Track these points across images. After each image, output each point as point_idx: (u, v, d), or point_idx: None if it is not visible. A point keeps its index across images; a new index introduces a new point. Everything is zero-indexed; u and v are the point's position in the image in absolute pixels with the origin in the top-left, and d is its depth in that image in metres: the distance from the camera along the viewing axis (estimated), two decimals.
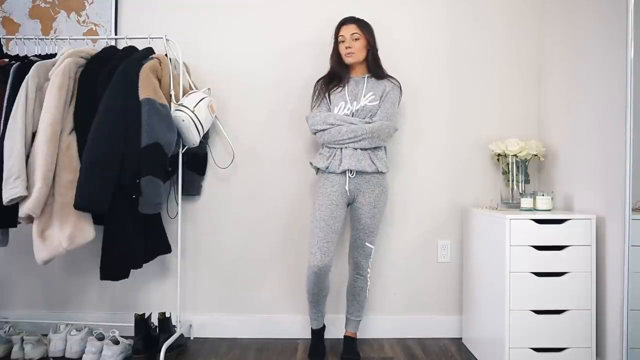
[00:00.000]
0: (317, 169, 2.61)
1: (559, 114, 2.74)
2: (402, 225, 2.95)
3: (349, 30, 2.57)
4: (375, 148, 2.56)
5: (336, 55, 2.61)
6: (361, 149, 2.51)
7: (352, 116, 2.54)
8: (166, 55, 2.59)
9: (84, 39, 2.77)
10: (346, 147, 2.51)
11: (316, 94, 2.65)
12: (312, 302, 2.56)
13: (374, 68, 2.62)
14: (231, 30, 2.95)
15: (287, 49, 2.94)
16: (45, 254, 2.32)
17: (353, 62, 2.59)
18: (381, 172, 2.57)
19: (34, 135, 2.37)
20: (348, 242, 2.73)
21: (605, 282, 2.29)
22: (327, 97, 2.59)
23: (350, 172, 2.53)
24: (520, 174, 2.75)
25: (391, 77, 2.65)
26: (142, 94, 2.38)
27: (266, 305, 2.94)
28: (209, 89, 2.74)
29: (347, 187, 2.53)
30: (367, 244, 2.59)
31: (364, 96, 2.56)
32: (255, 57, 2.94)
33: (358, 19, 2.60)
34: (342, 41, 2.58)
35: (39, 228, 2.33)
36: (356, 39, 2.56)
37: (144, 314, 2.59)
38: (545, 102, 2.90)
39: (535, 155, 2.74)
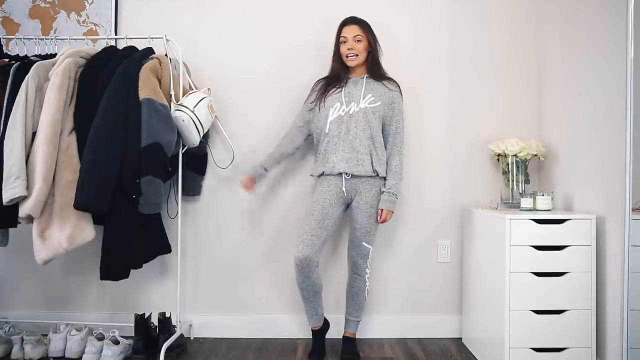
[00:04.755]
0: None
1: (559, 114, 2.74)
2: (402, 226, 2.95)
3: (351, 32, 2.56)
4: (377, 150, 2.56)
5: (337, 55, 2.61)
6: (362, 151, 2.53)
7: (350, 118, 2.54)
8: (166, 55, 2.59)
9: (84, 39, 2.76)
10: (342, 150, 2.52)
11: (311, 94, 2.67)
12: (304, 298, 2.54)
13: (374, 69, 2.62)
14: (231, 30, 2.95)
15: (287, 49, 2.94)
16: (45, 254, 2.32)
17: (355, 64, 2.59)
18: (379, 174, 2.57)
19: (34, 135, 2.38)
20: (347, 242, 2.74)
21: (605, 282, 2.29)
22: (323, 100, 2.58)
23: (346, 174, 2.53)
24: (520, 174, 2.75)
25: (391, 79, 2.65)
26: (142, 94, 2.38)
27: (266, 305, 2.94)
28: (209, 89, 2.74)
29: (343, 188, 2.54)
30: (364, 243, 2.58)
31: (364, 98, 2.56)
32: (256, 57, 2.94)
33: (360, 20, 2.60)
34: (344, 42, 2.57)
35: (39, 228, 2.33)
36: (358, 41, 2.56)
37: (144, 314, 2.59)
38: (545, 102, 2.90)
39: (535, 155, 2.74)
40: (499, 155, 2.80)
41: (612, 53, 2.24)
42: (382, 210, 2.55)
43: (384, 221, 2.57)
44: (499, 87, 2.96)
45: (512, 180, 2.75)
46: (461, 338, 2.92)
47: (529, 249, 2.33)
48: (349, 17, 2.61)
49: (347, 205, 2.61)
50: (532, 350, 2.32)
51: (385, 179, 2.59)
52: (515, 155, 2.72)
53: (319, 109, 2.60)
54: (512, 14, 2.96)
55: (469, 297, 2.81)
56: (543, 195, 2.54)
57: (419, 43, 2.96)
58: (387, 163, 2.60)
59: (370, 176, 2.55)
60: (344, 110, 2.55)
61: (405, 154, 2.85)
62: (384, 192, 2.56)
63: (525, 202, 2.56)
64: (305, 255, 2.43)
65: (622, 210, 2.15)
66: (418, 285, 2.96)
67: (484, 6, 2.96)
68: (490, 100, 2.96)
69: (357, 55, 2.56)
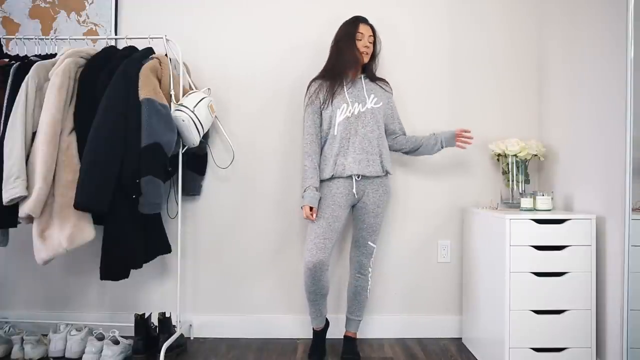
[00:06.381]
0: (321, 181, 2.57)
1: (559, 114, 2.74)
2: (403, 225, 2.95)
3: (367, 31, 2.58)
4: (385, 149, 2.57)
5: (349, 50, 2.54)
6: (372, 152, 2.53)
7: (357, 119, 2.52)
8: (166, 55, 2.59)
9: (84, 39, 2.76)
10: (353, 152, 2.51)
11: (314, 96, 2.58)
12: (311, 300, 2.54)
13: (371, 71, 2.64)
14: (231, 30, 2.95)
15: (288, 49, 2.94)
16: (45, 254, 2.32)
17: (366, 62, 2.60)
18: (388, 173, 2.58)
19: (34, 135, 2.38)
20: (349, 242, 2.74)
21: (605, 282, 2.29)
22: (331, 101, 2.53)
23: (357, 176, 2.53)
24: (520, 174, 2.75)
25: (383, 79, 2.68)
26: (142, 94, 2.38)
27: (266, 305, 2.94)
28: (209, 89, 2.74)
29: (354, 190, 2.53)
30: (369, 243, 2.59)
31: (368, 98, 2.56)
32: (256, 57, 2.94)
33: (371, 23, 2.62)
34: (360, 39, 2.56)
35: (39, 228, 2.34)
36: (371, 42, 2.59)
37: (144, 314, 2.59)
38: (545, 102, 2.90)
39: (535, 155, 2.74)
40: (499, 155, 2.80)
41: (612, 53, 2.24)
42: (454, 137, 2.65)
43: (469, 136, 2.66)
44: (499, 87, 2.96)
45: (512, 180, 2.76)
46: (461, 338, 2.92)
47: (529, 249, 2.33)
48: (362, 17, 2.61)
49: (353, 206, 2.61)
50: (532, 350, 2.32)
51: (387, 175, 2.61)
52: (515, 155, 2.72)
53: (325, 110, 2.58)
54: (512, 14, 2.96)
55: (469, 297, 2.81)
56: (543, 195, 2.54)
57: (419, 43, 2.96)
58: (409, 141, 2.69)
59: (378, 176, 2.56)
60: (350, 111, 2.54)
61: (405, 154, 2.86)
62: (433, 135, 2.68)
63: (525, 202, 2.56)
64: (319, 259, 2.43)
65: (622, 210, 2.15)
66: (418, 285, 2.96)
67: (483, 6, 2.96)
68: (490, 100, 2.96)
69: (368, 54, 2.59)
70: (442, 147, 2.67)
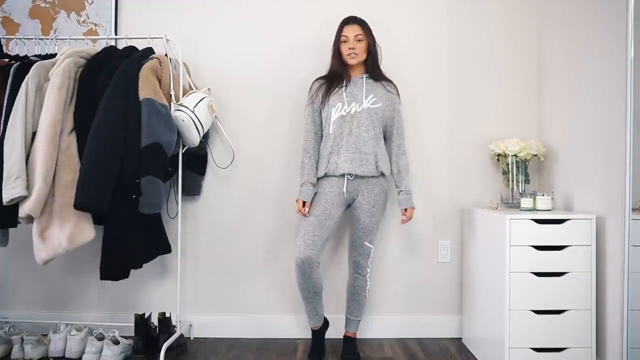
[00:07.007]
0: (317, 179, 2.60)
1: (559, 114, 2.74)
2: (402, 226, 2.94)
3: (352, 31, 2.56)
4: (381, 150, 2.56)
5: (338, 54, 2.60)
6: (366, 152, 2.52)
7: (352, 118, 2.53)
8: (166, 55, 2.59)
9: (84, 39, 2.76)
10: (346, 151, 2.51)
11: (315, 95, 2.61)
12: (304, 298, 2.54)
13: (373, 69, 2.62)
14: (231, 30, 2.95)
15: (288, 49, 2.94)
16: (45, 254, 2.32)
17: (356, 63, 2.58)
18: (384, 174, 2.57)
19: (34, 135, 2.38)
20: (347, 242, 2.74)
21: (605, 282, 2.29)
22: (327, 100, 2.56)
23: (349, 175, 2.53)
24: (520, 174, 2.75)
25: (389, 80, 2.66)
26: (142, 94, 2.38)
27: (266, 305, 2.94)
28: (209, 89, 2.74)
29: (344, 189, 2.54)
30: (366, 243, 2.59)
31: (366, 98, 2.56)
32: (256, 57, 2.94)
33: (361, 20, 2.60)
34: (345, 41, 2.57)
35: (39, 228, 2.34)
36: (359, 40, 2.56)
37: (144, 314, 2.59)
38: (545, 102, 2.90)
39: (535, 155, 2.74)
40: (499, 155, 2.80)
41: (612, 53, 2.24)
42: (406, 210, 2.63)
43: (409, 219, 2.64)
44: (499, 87, 2.96)
45: (512, 180, 2.75)
46: (461, 338, 2.92)
47: (529, 249, 2.33)
48: (350, 17, 2.61)
49: (348, 206, 2.61)
50: (532, 350, 2.32)
51: (384, 176, 2.59)
52: (516, 155, 2.72)
53: (323, 109, 2.59)
54: (512, 14, 2.96)
55: (469, 297, 2.81)
56: (543, 195, 2.54)
57: (419, 43, 2.96)
58: (392, 163, 2.63)
59: (373, 176, 2.56)
60: (345, 110, 2.54)
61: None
62: (401, 192, 2.62)
63: (525, 202, 2.56)
64: (306, 255, 2.43)
65: (622, 210, 2.15)
66: (418, 285, 2.96)
67: (483, 6, 2.96)
68: (490, 100, 2.96)
69: (357, 54, 2.56)
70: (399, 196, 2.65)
